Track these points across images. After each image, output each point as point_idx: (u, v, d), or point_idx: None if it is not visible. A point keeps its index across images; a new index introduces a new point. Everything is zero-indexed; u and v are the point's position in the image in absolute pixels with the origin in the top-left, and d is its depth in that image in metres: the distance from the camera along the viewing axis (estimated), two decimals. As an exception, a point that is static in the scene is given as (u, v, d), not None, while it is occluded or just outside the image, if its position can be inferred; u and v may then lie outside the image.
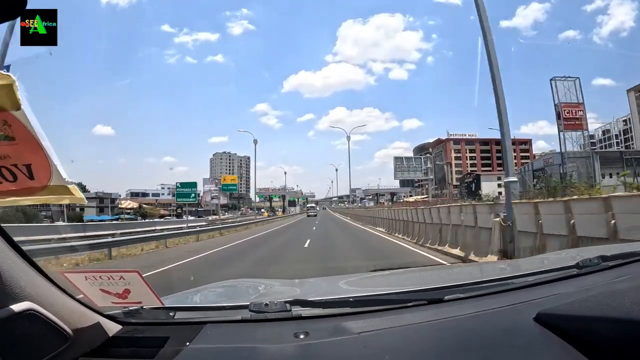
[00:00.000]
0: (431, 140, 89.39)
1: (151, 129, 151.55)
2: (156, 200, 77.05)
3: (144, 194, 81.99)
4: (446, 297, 1.02)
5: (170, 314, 1.00)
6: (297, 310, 0.96)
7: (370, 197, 78.70)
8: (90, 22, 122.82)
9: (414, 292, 1.12)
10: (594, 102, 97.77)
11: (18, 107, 0.65)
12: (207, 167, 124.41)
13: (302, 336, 0.84)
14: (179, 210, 56.14)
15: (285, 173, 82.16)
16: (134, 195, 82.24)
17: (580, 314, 0.76)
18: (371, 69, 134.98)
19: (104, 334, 0.88)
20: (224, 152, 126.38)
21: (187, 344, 0.84)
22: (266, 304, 0.95)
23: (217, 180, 79.88)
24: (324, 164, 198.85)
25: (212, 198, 66.85)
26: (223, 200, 79.35)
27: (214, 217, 58.24)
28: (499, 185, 68.86)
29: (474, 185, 63.78)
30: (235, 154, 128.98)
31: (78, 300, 0.86)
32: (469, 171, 72.91)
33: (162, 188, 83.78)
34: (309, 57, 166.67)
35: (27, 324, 0.70)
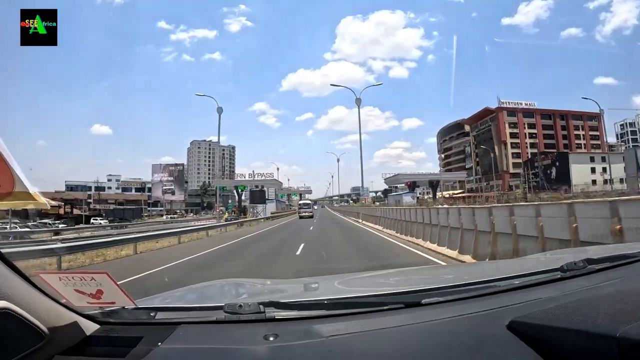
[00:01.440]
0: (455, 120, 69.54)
1: (149, 128, 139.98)
2: (99, 194, 56.94)
3: (84, 187, 61.65)
4: (424, 301, 1.00)
5: (151, 314, 1.01)
6: (271, 312, 0.96)
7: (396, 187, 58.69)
8: (86, 19, 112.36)
9: (391, 295, 1.09)
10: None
11: None
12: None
13: (271, 338, 0.84)
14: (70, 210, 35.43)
15: (219, 134, 50.56)
16: (71, 188, 61.88)
17: (553, 323, 0.74)
18: (371, 67, 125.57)
19: (81, 333, 0.89)
20: (203, 140, 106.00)
21: (159, 344, 0.85)
22: (240, 306, 0.95)
23: (171, 168, 57.67)
24: (323, 164, 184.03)
25: (165, 192, 45.53)
26: (180, 196, 57.51)
27: (166, 217, 38.33)
28: (593, 170, 43.74)
29: (554, 170, 43.71)
30: (217, 142, 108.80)
31: (57, 301, 0.87)
32: (528, 152, 52.67)
33: (109, 180, 63.31)
34: (307, 55, 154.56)
35: (1, 322, 0.69)
